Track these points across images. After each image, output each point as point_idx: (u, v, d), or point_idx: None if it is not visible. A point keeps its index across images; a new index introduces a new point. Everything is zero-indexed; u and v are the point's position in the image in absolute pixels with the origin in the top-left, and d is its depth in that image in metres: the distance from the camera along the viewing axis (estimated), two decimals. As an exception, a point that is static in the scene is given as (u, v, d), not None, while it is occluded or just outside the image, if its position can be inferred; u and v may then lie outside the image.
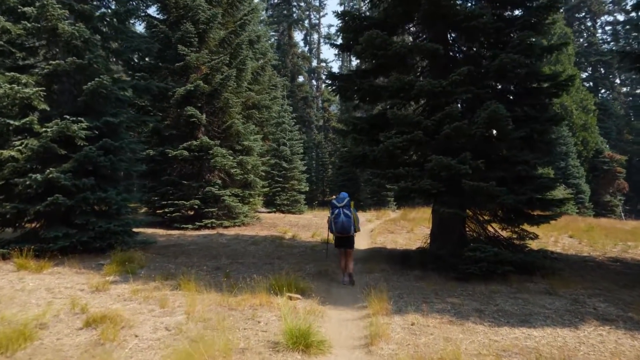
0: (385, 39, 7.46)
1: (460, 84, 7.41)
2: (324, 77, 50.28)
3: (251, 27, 16.02)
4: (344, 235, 6.91)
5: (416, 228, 16.03)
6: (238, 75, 14.22)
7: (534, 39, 7.21)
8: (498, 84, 8.02)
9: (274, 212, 22.32)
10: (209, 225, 14.22)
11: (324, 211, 24.43)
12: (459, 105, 7.56)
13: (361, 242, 11.91)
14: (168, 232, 13.33)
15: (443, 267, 7.99)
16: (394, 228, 16.16)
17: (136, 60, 11.02)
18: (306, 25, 47.23)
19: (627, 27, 38.81)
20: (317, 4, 47.90)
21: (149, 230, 13.34)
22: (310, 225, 16.95)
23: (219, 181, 14.59)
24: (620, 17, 38.91)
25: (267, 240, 11.97)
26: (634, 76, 46.31)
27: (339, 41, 9.80)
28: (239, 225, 15.22)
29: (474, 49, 8.48)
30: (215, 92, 13.89)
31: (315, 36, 48.76)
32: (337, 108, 43.48)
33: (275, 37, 41.36)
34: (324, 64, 48.78)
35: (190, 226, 13.96)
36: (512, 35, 7.93)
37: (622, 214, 30.20)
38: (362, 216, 19.49)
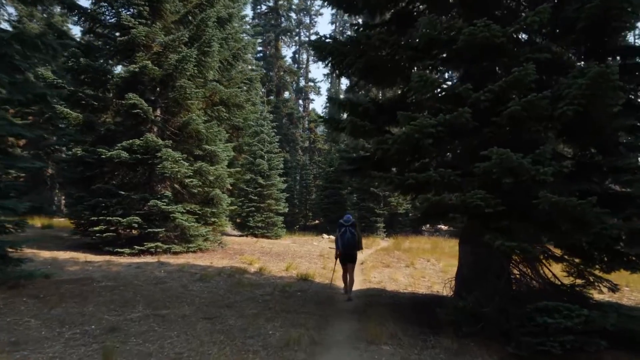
0: (411, -43, 4.55)
1: (531, 38, 4.52)
2: (311, 97, 47.69)
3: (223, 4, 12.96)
4: (348, 251, 7.34)
5: (416, 261, 13.04)
6: (201, 61, 11.06)
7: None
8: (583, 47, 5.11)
9: (246, 235, 18.90)
10: (153, 250, 10.73)
11: (305, 236, 21.08)
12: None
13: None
14: (91, 258, 9.81)
15: (487, 332, 4.91)
16: (389, 260, 13.11)
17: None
18: (295, 40, 44.88)
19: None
20: (308, 21, 45.65)
21: (67, 255, 9.85)
22: (286, 253, 13.60)
23: (169, 193, 11.22)
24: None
25: (223, 275, 8.65)
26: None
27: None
28: (194, 251, 11.79)
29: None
30: (169, 78, 10.63)
31: (305, 55, 46.24)
32: (323, 131, 39.95)
33: (261, 49, 38.69)
34: (312, 84, 46.03)
35: (127, 250, 10.47)
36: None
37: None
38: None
